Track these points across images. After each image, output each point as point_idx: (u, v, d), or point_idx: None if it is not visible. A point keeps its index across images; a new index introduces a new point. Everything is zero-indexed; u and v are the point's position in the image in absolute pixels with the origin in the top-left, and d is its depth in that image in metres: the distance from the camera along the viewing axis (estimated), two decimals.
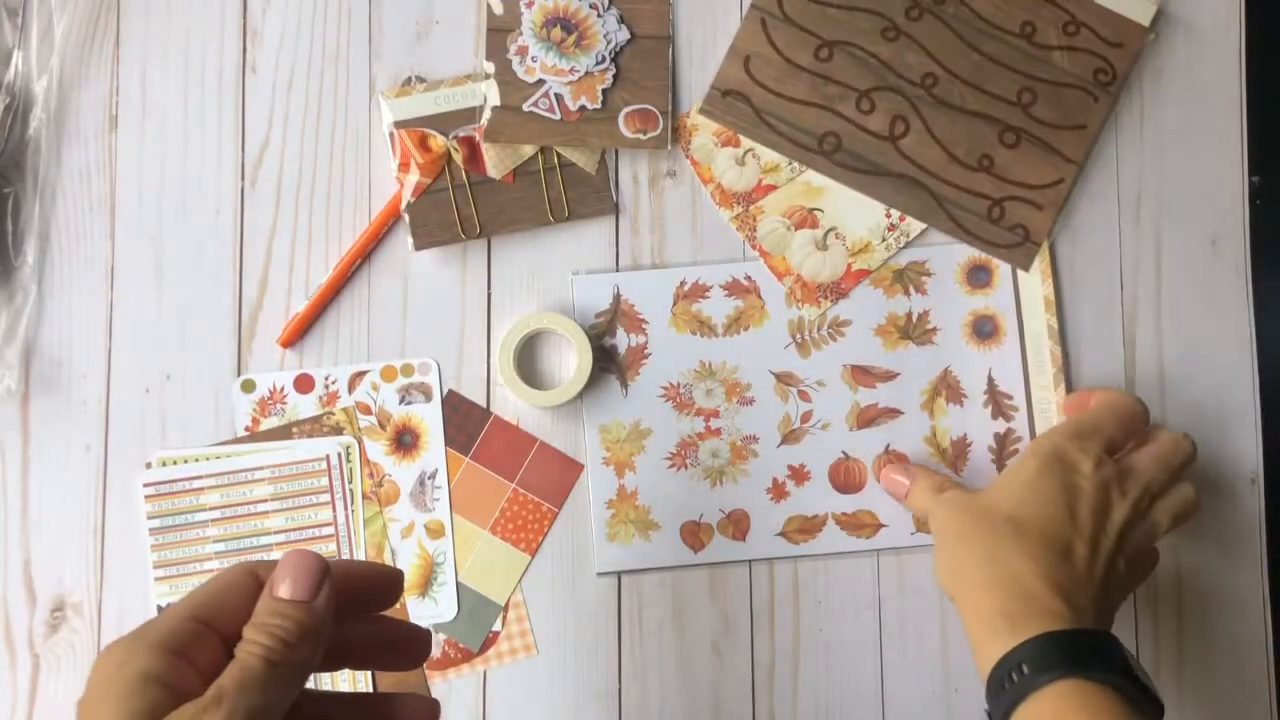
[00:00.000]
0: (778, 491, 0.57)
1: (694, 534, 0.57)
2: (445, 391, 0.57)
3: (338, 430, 0.57)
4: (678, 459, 0.57)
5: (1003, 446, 0.58)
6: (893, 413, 0.58)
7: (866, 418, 0.58)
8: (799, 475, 0.58)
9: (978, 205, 0.58)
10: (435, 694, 0.56)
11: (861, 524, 0.58)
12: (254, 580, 0.36)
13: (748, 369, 0.58)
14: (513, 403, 0.57)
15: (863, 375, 0.58)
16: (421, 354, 0.57)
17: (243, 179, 0.58)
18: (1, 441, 0.56)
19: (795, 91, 0.58)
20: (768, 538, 0.57)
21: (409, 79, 0.58)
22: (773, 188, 0.58)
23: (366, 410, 0.57)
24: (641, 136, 0.58)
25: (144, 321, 0.57)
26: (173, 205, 0.58)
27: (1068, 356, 0.58)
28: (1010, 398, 0.58)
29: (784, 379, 0.58)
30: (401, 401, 0.57)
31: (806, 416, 0.58)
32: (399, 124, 0.57)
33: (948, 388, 0.58)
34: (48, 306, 0.57)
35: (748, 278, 0.58)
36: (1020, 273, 0.58)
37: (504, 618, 0.56)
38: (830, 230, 0.58)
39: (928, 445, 0.58)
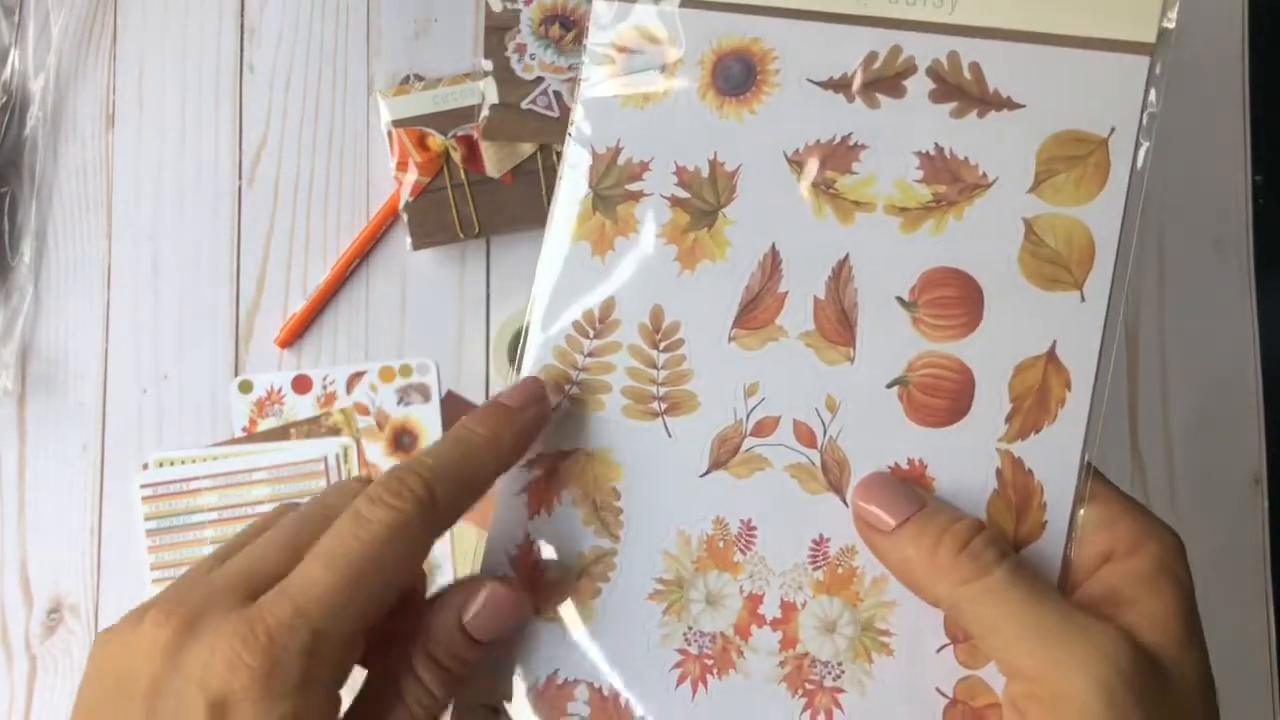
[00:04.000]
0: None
1: None
2: (444, 392, 0.57)
3: (335, 431, 0.56)
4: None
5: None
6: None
7: None
8: None
9: None
10: None
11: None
12: None
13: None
14: None
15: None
16: (420, 354, 0.57)
17: (240, 178, 0.58)
18: None
19: None
20: None
21: (407, 77, 0.58)
22: None
23: (365, 411, 0.57)
24: None
25: (141, 321, 0.57)
26: (170, 204, 0.57)
27: None
28: None
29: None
30: (400, 402, 0.57)
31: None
32: (397, 123, 0.57)
33: None
34: (44, 306, 0.57)
35: None
36: None
37: None
38: None
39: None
